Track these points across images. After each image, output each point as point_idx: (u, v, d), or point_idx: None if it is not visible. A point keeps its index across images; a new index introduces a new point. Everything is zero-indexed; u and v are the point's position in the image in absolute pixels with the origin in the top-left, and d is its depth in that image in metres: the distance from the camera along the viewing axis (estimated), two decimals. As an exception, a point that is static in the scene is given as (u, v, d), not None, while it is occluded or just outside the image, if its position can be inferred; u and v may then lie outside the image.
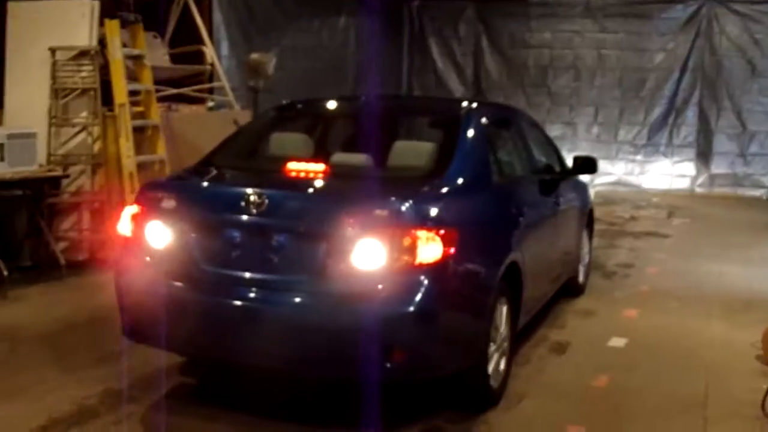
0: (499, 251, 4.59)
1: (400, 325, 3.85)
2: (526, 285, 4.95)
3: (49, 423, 4.20)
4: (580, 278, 7.13)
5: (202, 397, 4.72)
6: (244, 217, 4.08)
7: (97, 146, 7.81)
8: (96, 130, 7.78)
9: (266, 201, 4.03)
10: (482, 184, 4.80)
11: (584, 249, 7.23)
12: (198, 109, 9.46)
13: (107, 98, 7.73)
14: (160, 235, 4.26)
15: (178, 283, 4.20)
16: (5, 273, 6.68)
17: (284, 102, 6.24)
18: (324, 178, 4.50)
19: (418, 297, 3.85)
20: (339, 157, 4.97)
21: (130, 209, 4.44)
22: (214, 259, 4.16)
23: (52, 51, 7.58)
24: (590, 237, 7.49)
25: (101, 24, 7.77)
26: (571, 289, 6.94)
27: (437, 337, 4.03)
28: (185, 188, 4.61)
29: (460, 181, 4.52)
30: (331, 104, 6.13)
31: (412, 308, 3.84)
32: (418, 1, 16.37)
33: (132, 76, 8.12)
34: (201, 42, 9.77)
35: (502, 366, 4.68)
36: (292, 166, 4.55)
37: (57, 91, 7.66)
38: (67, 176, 7.60)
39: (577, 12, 15.22)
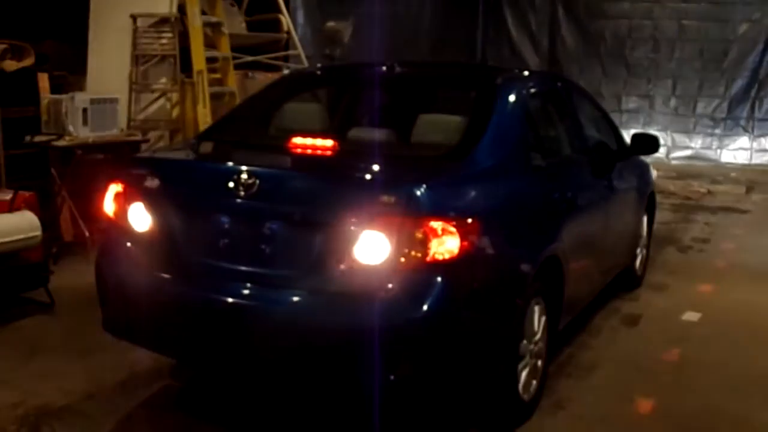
0: (534, 244, 4.00)
1: (408, 331, 3.30)
2: (569, 282, 4.36)
3: (130, 377, 4.38)
4: (637, 268, 6.47)
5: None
6: (232, 200, 3.53)
7: (175, 112, 8.00)
8: (175, 96, 7.98)
9: (257, 182, 3.48)
10: (517, 165, 4.16)
11: (642, 236, 6.52)
12: (274, 76, 9.54)
13: (186, 65, 7.88)
14: (144, 217, 3.79)
15: (160, 274, 3.72)
16: (87, 234, 6.89)
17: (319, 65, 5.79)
18: (329, 157, 4.00)
19: (430, 299, 3.29)
20: (355, 132, 4.48)
21: (114, 187, 3.96)
22: (199, 247, 3.65)
23: (134, 18, 7.73)
24: (650, 223, 6.76)
25: (181, -9, 7.92)
26: (626, 281, 6.29)
27: (452, 346, 3.44)
28: (169, 165, 4.10)
29: (489, 161, 3.90)
30: (356, 71, 5.61)
31: (421, 312, 3.28)
32: (494, -30, 16.16)
33: (210, 44, 8.24)
34: (277, 10, 9.83)
35: (537, 376, 4.13)
36: (295, 141, 4.00)
37: (137, 58, 7.83)
38: (147, 141, 7.74)
39: (657, -19, 14.86)
